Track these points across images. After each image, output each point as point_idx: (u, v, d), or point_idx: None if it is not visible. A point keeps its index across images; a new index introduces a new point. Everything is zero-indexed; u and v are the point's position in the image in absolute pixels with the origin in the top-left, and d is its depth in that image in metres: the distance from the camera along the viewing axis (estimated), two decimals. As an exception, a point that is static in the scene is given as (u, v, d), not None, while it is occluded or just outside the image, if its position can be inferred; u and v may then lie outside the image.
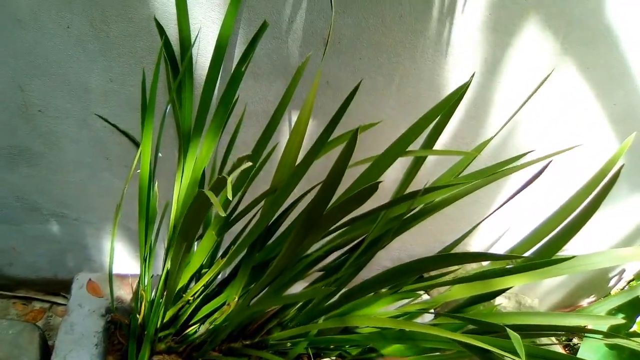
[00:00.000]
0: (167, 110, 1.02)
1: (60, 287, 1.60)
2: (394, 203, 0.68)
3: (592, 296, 1.83)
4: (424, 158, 0.81)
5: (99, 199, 1.28)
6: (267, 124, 0.93)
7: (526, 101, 1.03)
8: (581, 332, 0.79)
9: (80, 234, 1.38)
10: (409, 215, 0.81)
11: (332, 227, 0.72)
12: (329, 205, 0.67)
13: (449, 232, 1.45)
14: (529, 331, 0.93)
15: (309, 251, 1.02)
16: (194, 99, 0.99)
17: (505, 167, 0.84)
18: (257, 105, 1.10)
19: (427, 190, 0.67)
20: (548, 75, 1.03)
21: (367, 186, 0.53)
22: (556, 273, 0.74)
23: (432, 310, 1.23)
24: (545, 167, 0.81)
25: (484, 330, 0.95)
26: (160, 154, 1.09)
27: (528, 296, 1.56)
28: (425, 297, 1.39)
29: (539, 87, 0.96)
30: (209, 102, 0.94)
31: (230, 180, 0.46)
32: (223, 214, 0.47)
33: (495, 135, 0.95)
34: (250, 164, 0.54)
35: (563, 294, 1.81)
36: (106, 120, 1.09)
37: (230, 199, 0.49)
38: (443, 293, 1.14)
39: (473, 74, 0.86)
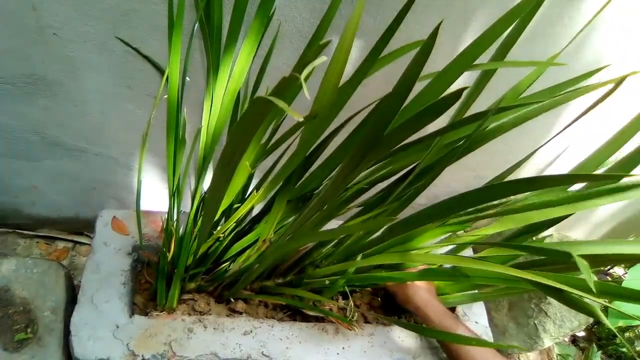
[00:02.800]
0: (194, 31, 0.93)
1: (84, 227, 1.57)
2: (458, 125, 0.60)
3: (632, 236, 1.76)
4: (492, 74, 0.71)
5: (122, 132, 1.21)
6: (308, 43, 0.83)
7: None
8: None
9: (103, 170, 1.32)
10: (466, 141, 0.73)
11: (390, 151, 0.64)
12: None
13: (490, 167, 1.36)
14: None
15: (349, 184, 0.95)
16: (224, 17, 0.90)
17: (576, 86, 0.75)
18: (290, 25, 1.00)
19: (500, 110, 0.58)
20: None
21: (449, 94, 0.45)
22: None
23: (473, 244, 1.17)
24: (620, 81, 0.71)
25: (537, 263, 0.89)
26: (187, 78, 1.01)
27: (569, 234, 1.49)
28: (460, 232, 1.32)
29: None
30: (241, 18, 0.84)
31: (303, 77, 0.38)
32: (300, 118, 0.39)
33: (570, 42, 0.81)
34: (325, 58, 0.46)
35: (603, 233, 1.75)
36: (127, 44, 1.00)
37: (308, 97, 0.41)
38: (481, 228, 1.07)
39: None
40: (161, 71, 1.05)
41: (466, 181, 1.43)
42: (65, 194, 1.40)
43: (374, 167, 0.93)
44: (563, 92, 0.75)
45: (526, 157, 0.95)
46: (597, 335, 1.84)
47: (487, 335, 1.18)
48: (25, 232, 1.55)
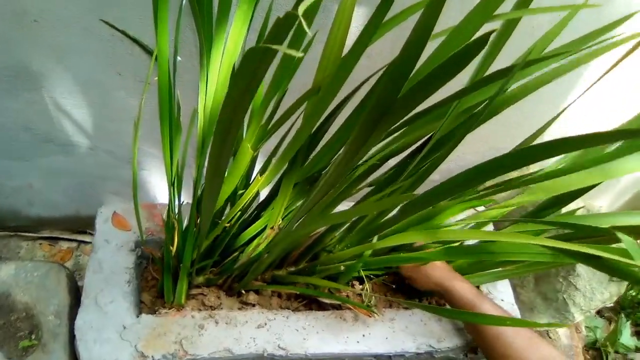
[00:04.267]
0: (182, 7, 0.86)
1: (85, 225, 1.52)
2: (481, 84, 0.52)
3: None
4: (514, 27, 0.64)
5: (115, 123, 1.15)
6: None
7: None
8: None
9: (99, 165, 1.27)
10: (489, 104, 0.66)
11: (403, 119, 0.57)
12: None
13: (506, 138, 1.29)
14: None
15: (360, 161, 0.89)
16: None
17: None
18: (286, -7, 0.93)
19: (529, 63, 0.51)
20: None
21: (474, 40, 0.38)
22: None
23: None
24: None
25: (565, 236, 0.83)
26: (179, 58, 0.94)
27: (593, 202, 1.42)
28: (480, 208, 1.25)
29: None
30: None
31: (301, 11, 0.32)
32: (298, 54, 0.33)
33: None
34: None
35: (625, 201, 1.68)
36: (113, 26, 0.93)
37: (309, 33, 0.34)
38: (501, 202, 1.01)
39: None
40: (151, 53, 0.98)
41: (480, 153, 1.36)
42: (62, 192, 1.35)
43: (385, 140, 0.86)
44: (594, 42, 0.67)
45: (548, 123, 0.88)
46: (621, 305, 1.78)
47: (514, 313, 1.12)
48: (27, 234, 1.50)
